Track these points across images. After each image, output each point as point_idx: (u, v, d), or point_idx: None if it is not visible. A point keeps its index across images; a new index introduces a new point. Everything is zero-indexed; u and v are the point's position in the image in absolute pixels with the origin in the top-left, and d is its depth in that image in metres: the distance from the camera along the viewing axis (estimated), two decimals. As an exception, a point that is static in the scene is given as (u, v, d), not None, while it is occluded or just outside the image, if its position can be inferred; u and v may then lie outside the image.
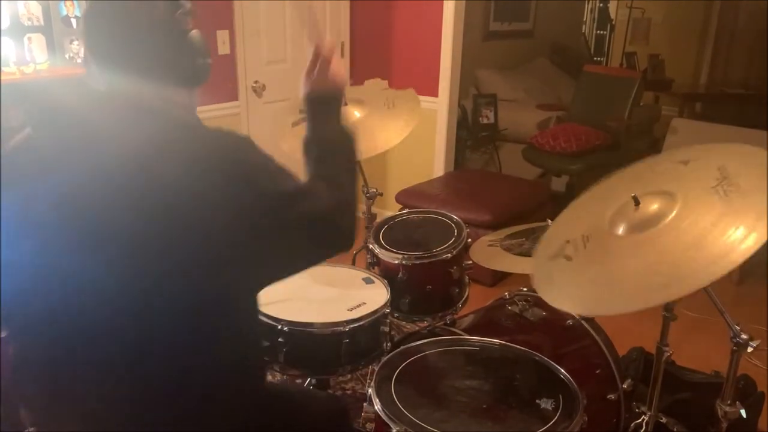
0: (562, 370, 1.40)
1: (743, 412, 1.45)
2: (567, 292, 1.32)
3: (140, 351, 1.06)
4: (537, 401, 1.31)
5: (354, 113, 2.14)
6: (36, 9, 2.63)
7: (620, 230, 1.31)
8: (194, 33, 1.18)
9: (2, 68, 2.52)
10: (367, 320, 1.68)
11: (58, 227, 1.05)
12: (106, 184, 1.03)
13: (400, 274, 1.95)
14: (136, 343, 1.05)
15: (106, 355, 1.06)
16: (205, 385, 1.12)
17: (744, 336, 1.38)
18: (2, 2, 2.51)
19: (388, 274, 1.97)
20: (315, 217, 1.14)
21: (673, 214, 1.25)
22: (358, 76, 4.10)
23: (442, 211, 2.21)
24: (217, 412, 1.15)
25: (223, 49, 3.38)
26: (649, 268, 1.21)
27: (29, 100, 1.11)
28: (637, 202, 1.30)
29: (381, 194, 2.33)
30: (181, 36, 1.15)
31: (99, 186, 1.03)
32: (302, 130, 1.97)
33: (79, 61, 2.70)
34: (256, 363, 1.30)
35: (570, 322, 1.88)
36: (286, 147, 2.08)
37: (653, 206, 1.29)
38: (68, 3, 2.65)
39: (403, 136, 2.06)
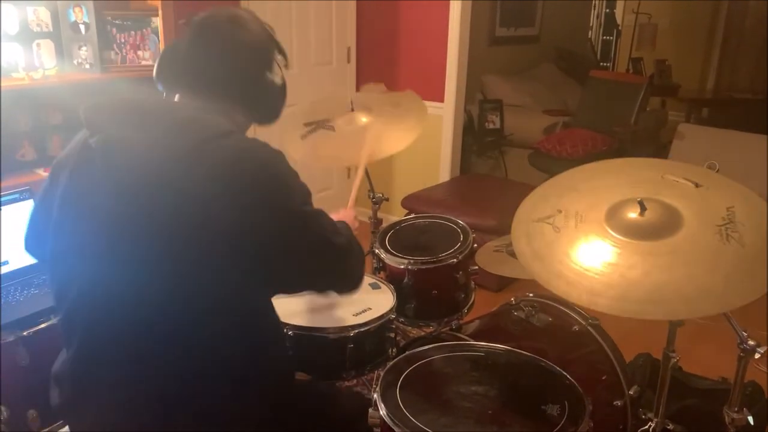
0: (568, 376, 1.40)
1: (751, 419, 1.45)
2: (544, 261, 1.29)
3: (169, 342, 1.10)
4: (543, 407, 1.30)
5: (360, 119, 2.14)
6: (45, 15, 2.66)
7: (615, 228, 1.29)
8: (282, 80, 1.28)
9: (11, 74, 2.53)
10: (372, 325, 1.68)
11: (107, 222, 1.09)
12: (152, 187, 1.07)
13: (405, 279, 1.95)
14: (166, 334, 1.09)
15: (139, 345, 1.10)
16: (232, 374, 1.16)
17: (751, 342, 1.38)
18: (12, 8, 2.53)
19: (393, 279, 1.97)
20: (331, 242, 1.21)
21: (675, 236, 1.24)
22: (363, 81, 4.11)
23: (447, 216, 2.21)
24: (245, 401, 1.18)
25: (230, 54, 3.40)
26: (631, 280, 1.19)
27: (89, 102, 1.14)
28: (643, 209, 1.29)
29: (387, 199, 2.33)
30: (280, 83, 1.25)
31: (145, 188, 1.07)
32: (311, 140, 2.01)
33: (87, 66, 2.72)
34: (280, 354, 1.35)
35: (576, 327, 1.88)
36: (294, 152, 2.09)
37: (657, 218, 1.28)
38: (77, 9, 2.67)
39: (416, 134, 2.07)
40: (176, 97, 1.21)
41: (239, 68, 1.19)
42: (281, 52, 1.26)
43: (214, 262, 1.07)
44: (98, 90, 2.71)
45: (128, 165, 1.08)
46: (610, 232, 1.29)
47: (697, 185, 1.34)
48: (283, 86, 1.28)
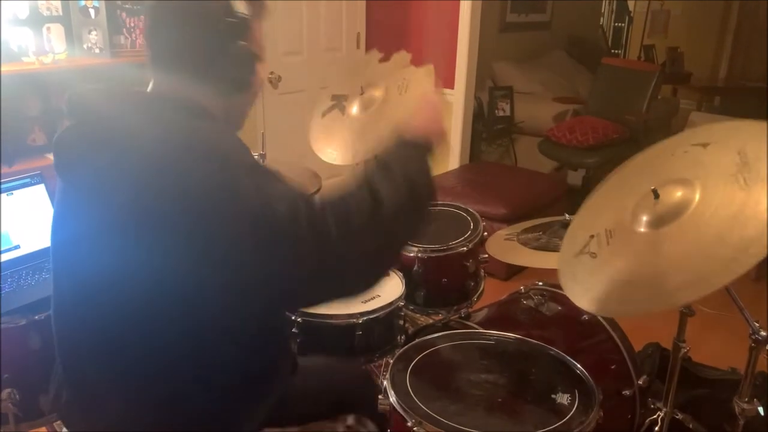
0: (578, 365, 1.40)
1: (761, 410, 1.44)
2: (590, 291, 1.26)
3: (158, 334, 1.07)
4: (553, 396, 1.31)
5: (375, 94, 2.10)
6: (55, -1, 2.65)
7: (642, 225, 1.26)
8: (241, 45, 1.16)
9: (22, 58, 2.54)
10: (381, 312, 1.68)
11: (88, 216, 1.07)
12: (131, 175, 1.03)
13: (415, 267, 1.94)
14: (156, 327, 1.07)
15: (137, 343, 1.08)
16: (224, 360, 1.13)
17: (763, 333, 1.37)
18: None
19: (403, 266, 1.97)
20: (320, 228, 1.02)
21: (693, 206, 1.19)
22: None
23: (458, 204, 2.21)
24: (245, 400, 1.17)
25: (240, 40, 3.38)
26: (672, 266, 1.16)
27: (72, 91, 1.11)
28: (656, 196, 1.25)
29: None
30: (227, 44, 1.15)
31: (124, 177, 1.03)
32: (329, 121, 1.89)
33: (97, 51, 2.72)
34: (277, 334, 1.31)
35: (586, 317, 1.87)
36: (311, 136, 2.05)
37: (673, 198, 1.24)
38: (87, -7, 2.66)
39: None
40: (153, 78, 1.16)
41: (192, 40, 1.13)
42: (239, 22, 1.16)
43: (200, 253, 0.99)
44: (108, 74, 2.71)
45: (126, 157, 1.04)
46: (639, 230, 1.25)
47: (705, 145, 1.29)
48: (245, 57, 1.18)
